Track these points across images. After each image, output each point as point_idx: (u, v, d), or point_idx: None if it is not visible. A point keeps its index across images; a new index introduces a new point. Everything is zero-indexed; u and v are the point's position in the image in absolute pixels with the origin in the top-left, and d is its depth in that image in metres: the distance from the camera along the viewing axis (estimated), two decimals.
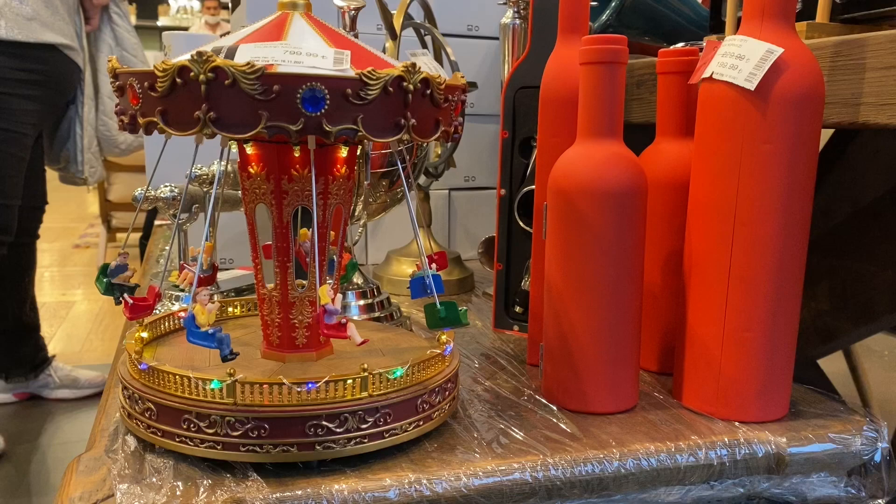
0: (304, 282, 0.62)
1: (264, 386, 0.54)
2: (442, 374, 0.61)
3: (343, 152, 0.60)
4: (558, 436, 0.61)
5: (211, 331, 0.51)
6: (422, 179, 1.11)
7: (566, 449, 0.59)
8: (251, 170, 0.60)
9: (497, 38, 1.28)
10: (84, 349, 2.77)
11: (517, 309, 0.89)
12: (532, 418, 0.65)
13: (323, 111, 0.49)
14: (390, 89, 0.51)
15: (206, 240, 0.60)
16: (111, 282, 0.61)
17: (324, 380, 0.54)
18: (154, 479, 0.52)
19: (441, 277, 0.60)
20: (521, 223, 0.87)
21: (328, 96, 0.49)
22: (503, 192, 0.88)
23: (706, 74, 0.64)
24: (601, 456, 0.58)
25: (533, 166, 0.86)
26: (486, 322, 0.95)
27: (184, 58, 0.49)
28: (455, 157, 1.21)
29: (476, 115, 1.28)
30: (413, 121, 0.53)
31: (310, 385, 0.54)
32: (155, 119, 0.50)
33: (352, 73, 0.50)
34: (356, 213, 0.84)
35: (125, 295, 0.60)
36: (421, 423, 0.58)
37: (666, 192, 0.74)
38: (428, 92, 0.54)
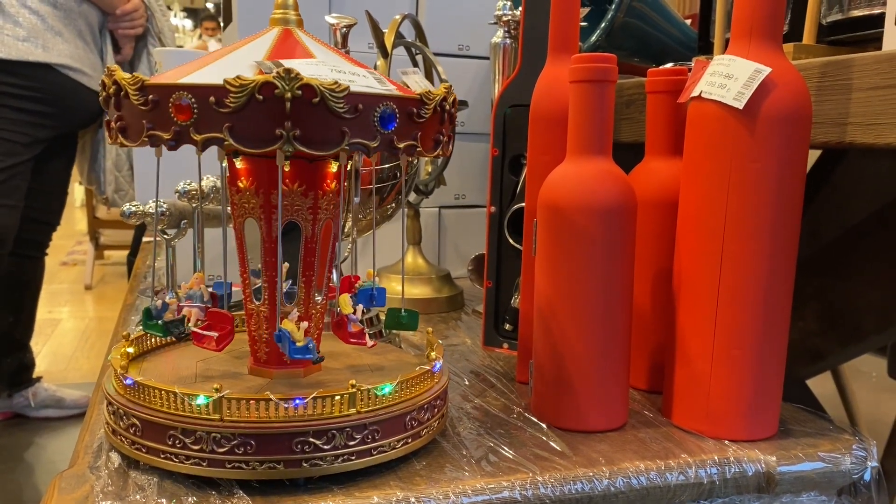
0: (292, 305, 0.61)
1: (251, 402, 0.53)
2: (431, 392, 0.60)
3: (333, 167, 0.60)
4: (548, 454, 0.61)
5: (307, 344, 0.56)
6: (412, 197, 1.11)
7: (555, 467, 0.59)
8: (240, 184, 0.59)
9: (488, 58, 1.29)
10: (69, 367, 2.75)
11: (507, 326, 0.88)
12: (521, 436, 0.65)
13: (393, 129, 0.53)
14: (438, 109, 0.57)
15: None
16: (164, 323, 0.62)
17: (311, 396, 0.53)
18: (138, 497, 0.52)
19: (385, 291, 0.65)
20: (510, 240, 0.87)
21: (398, 115, 0.53)
22: (493, 209, 0.88)
23: (695, 93, 0.64)
24: (591, 474, 0.58)
25: (523, 184, 0.86)
26: (476, 340, 0.95)
27: (259, 74, 0.50)
28: (445, 175, 1.21)
29: (466, 133, 1.28)
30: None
31: (297, 401, 0.53)
32: (220, 135, 0.49)
33: (396, 92, 0.54)
34: (345, 230, 0.84)
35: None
36: (409, 440, 0.58)
37: (655, 211, 0.74)
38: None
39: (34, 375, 2.23)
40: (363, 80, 0.54)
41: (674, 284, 0.69)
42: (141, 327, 0.63)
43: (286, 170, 0.58)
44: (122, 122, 0.53)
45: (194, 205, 0.93)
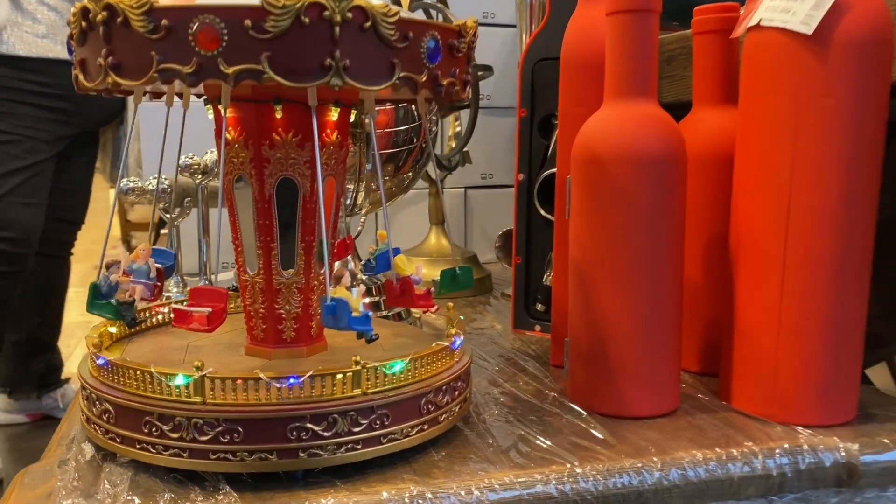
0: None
1: (238, 381, 0.45)
2: (450, 371, 0.52)
3: (333, 115, 0.52)
4: (588, 442, 0.52)
5: (364, 314, 0.46)
6: (434, 172, 1.03)
7: (598, 457, 0.50)
8: (228, 136, 0.52)
9: (514, 26, 1.21)
10: None
11: (539, 307, 0.80)
12: (557, 423, 0.56)
13: (437, 63, 0.48)
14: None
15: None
16: (116, 303, 0.51)
17: (308, 374, 0.45)
18: (107, 493, 0.44)
19: (400, 251, 0.58)
20: (541, 211, 0.78)
21: (442, 46, 0.48)
22: (521, 176, 0.79)
23: (752, 23, 0.55)
24: (639, 465, 0.49)
25: (554, 147, 0.78)
26: (506, 324, 0.86)
27: None
28: (471, 153, 1.13)
29: (493, 107, 1.20)
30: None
31: (291, 380, 0.45)
32: (257, 66, 0.42)
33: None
34: (358, 203, 0.76)
35: (178, 305, 0.51)
36: (425, 426, 0.50)
37: (706, 168, 0.65)
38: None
39: (63, 377, 2.20)
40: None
41: (730, 248, 0.60)
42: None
43: (278, 117, 0.51)
44: (116, 57, 0.44)
45: (198, 180, 0.86)
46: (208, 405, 0.45)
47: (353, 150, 0.72)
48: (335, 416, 0.46)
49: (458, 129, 1.13)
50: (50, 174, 1.83)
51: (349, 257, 0.78)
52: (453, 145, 1.08)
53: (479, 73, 1.01)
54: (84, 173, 2.01)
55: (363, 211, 0.77)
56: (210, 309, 0.46)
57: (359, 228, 0.78)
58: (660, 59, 0.83)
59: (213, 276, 0.89)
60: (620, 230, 0.56)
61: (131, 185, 0.82)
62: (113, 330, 0.58)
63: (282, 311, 0.54)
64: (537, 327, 0.80)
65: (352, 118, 0.56)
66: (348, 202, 0.77)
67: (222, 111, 0.51)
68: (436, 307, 0.57)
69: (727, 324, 0.60)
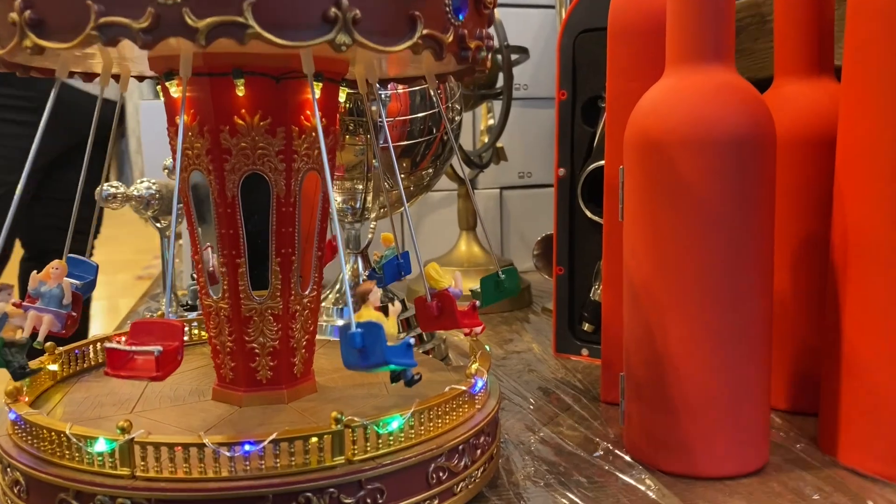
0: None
1: (176, 449, 0.34)
2: (469, 424, 0.40)
3: (315, 91, 0.40)
4: None
5: (404, 341, 0.33)
6: (462, 170, 0.90)
7: None
8: (178, 120, 0.40)
9: (553, 6, 1.08)
10: None
11: (586, 327, 0.67)
12: (612, 487, 0.43)
13: (464, 20, 0.38)
14: None
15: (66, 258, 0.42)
16: (2, 342, 0.38)
17: (268, 439, 0.33)
18: None
19: (409, 255, 0.47)
20: (586, 212, 0.65)
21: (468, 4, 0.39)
22: (562, 171, 0.67)
23: None
24: None
25: (601, 135, 0.65)
26: (546, 346, 0.73)
27: None
28: (507, 149, 1.00)
29: (530, 98, 1.08)
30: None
31: (247, 447, 0.33)
32: (237, 19, 0.31)
33: None
34: (367, 206, 0.64)
35: (114, 344, 0.34)
36: (436, 501, 0.37)
37: (795, 153, 0.52)
38: None
39: None
40: None
41: (833, 255, 0.46)
42: None
43: (239, 94, 0.39)
44: (36, 11, 0.33)
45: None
46: (138, 480, 0.34)
47: (359, 143, 0.61)
48: (308, 494, 0.34)
49: (492, 122, 1.01)
50: (31, 191, 1.76)
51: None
52: (486, 140, 0.96)
53: (514, 57, 0.89)
54: (75, 182, 1.94)
55: (372, 216, 0.65)
56: (159, 348, 0.34)
57: (369, 237, 0.66)
58: None
59: (168, 306, 0.78)
60: (690, 233, 0.43)
61: (112, 190, 0.71)
62: (54, 368, 0.47)
63: (254, 345, 0.42)
64: (584, 351, 0.67)
65: (342, 97, 0.44)
66: (357, 206, 0.65)
67: (174, 90, 0.39)
68: (482, 326, 0.46)
69: (830, 353, 0.47)
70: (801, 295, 0.53)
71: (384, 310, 0.41)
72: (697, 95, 0.43)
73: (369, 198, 0.64)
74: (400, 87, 0.62)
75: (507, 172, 1.08)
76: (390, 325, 0.36)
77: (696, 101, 0.43)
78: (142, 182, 0.75)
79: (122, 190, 0.72)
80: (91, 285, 0.43)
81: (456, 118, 0.69)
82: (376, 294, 0.39)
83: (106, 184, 0.72)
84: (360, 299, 0.38)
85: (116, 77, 0.44)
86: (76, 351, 0.49)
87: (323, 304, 0.67)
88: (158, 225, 0.76)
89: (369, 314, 0.37)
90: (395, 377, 0.38)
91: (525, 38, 1.07)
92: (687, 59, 0.44)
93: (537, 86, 1.08)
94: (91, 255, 1.79)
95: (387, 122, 0.61)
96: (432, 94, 0.63)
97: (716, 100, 0.42)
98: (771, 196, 0.44)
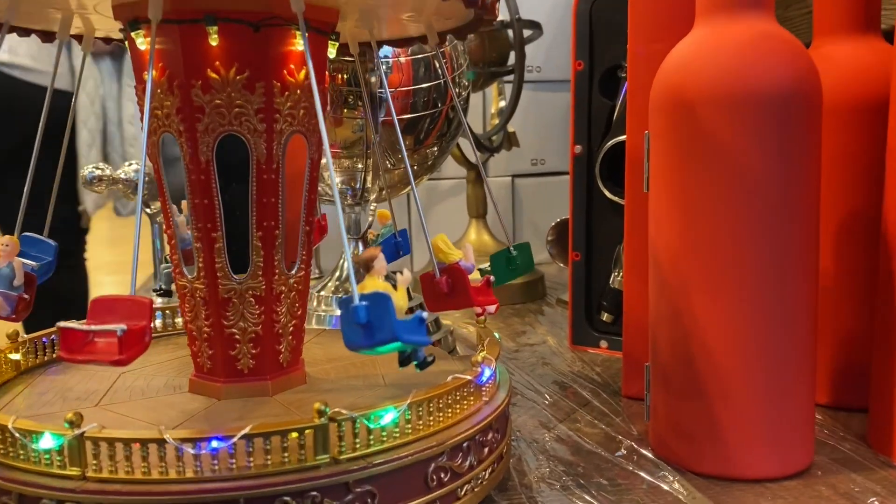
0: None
1: (133, 446, 0.29)
2: (475, 419, 0.35)
3: (297, 42, 0.36)
4: None
5: (419, 316, 0.30)
6: (473, 154, 0.85)
7: None
8: (147, 76, 0.36)
9: None
10: None
11: (605, 317, 0.62)
12: (636, 489, 0.38)
13: None
14: None
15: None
16: None
17: (239, 434, 0.29)
18: None
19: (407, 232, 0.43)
20: (605, 192, 0.60)
21: None
22: (578, 149, 0.62)
23: None
24: None
25: (622, 108, 0.60)
26: (562, 338, 0.68)
27: None
28: (519, 135, 0.95)
29: (543, 80, 1.03)
30: None
31: (215, 443, 0.29)
32: None
33: None
34: (366, 187, 0.59)
35: (68, 324, 0.31)
36: None
37: (838, 119, 0.47)
38: None
39: None
40: None
41: (885, 233, 0.41)
42: None
43: (213, 44, 0.34)
44: None
45: None
46: (90, 481, 0.29)
47: (358, 117, 0.56)
48: (286, 498, 0.29)
49: (502, 104, 0.96)
50: None
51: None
52: (496, 122, 0.91)
53: (527, 34, 0.84)
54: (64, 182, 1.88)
55: (372, 197, 0.60)
56: (123, 327, 0.29)
57: (370, 219, 0.62)
58: None
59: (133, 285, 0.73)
60: (726, 205, 0.38)
61: (98, 172, 0.67)
62: (16, 357, 0.42)
63: (234, 331, 0.38)
64: (603, 343, 0.62)
65: (331, 53, 0.39)
66: (357, 186, 0.60)
67: (141, 41, 0.35)
68: (496, 304, 0.41)
69: (881, 342, 0.42)
70: (846, 276, 0.48)
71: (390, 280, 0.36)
72: (734, 47, 0.38)
73: (369, 178, 0.59)
74: (402, 56, 0.57)
75: (520, 159, 1.03)
76: (399, 297, 0.31)
77: (733, 53, 0.38)
78: (129, 164, 0.70)
79: (107, 172, 0.68)
80: (49, 267, 0.39)
81: (462, 93, 0.64)
82: (382, 261, 0.34)
83: (91, 166, 0.68)
84: (364, 267, 0.33)
85: (79, 38, 0.40)
86: (44, 339, 0.44)
87: (322, 292, 0.62)
88: (148, 210, 0.72)
89: (374, 284, 0.32)
90: (404, 359, 0.34)
91: (539, 13, 1.02)
92: (721, 7, 0.39)
93: (551, 67, 1.03)
94: (78, 245, 1.66)
95: (389, 92, 0.56)
96: (437, 64, 0.58)
97: (755, 52, 0.37)
98: (817, 162, 0.39)
